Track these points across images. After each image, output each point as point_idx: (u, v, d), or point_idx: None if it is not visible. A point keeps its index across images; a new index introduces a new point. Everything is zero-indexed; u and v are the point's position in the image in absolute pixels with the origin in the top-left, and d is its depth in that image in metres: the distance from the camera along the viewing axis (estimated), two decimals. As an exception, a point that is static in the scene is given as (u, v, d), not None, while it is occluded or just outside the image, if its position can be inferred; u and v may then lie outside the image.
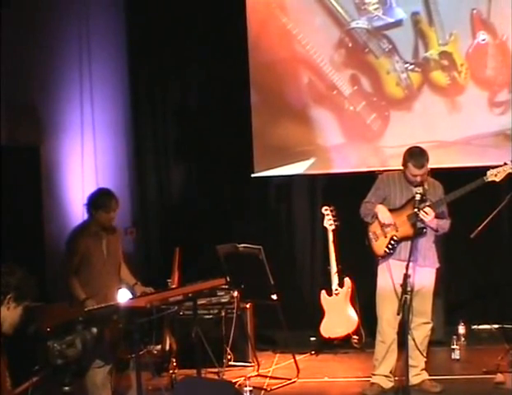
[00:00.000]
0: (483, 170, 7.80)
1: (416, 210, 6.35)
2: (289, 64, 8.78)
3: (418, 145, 6.73)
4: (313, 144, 8.74)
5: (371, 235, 6.66)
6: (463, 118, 8.55)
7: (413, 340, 6.47)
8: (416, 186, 6.47)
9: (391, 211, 6.59)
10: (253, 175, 8.71)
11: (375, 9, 8.69)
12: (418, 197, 6.34)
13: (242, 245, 7.20)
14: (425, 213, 6.36)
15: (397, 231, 6.55)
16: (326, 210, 8.15)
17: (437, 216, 6.47)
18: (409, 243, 6.30)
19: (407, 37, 8.66)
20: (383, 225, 6.59)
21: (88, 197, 6.52)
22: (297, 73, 8.79)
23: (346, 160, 8.65)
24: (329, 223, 8.11)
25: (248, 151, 8.66)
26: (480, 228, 6.82)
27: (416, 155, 6.51)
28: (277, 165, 8.74)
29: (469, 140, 8.33)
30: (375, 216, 6.62)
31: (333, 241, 8.11)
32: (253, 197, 8.89)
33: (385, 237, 6.59)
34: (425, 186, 6.52)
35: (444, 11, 8.56)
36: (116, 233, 6.61)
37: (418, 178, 6.48)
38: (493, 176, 6.43)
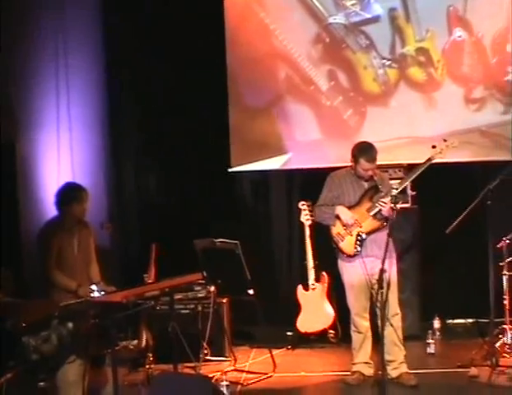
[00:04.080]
0: (458, 166, 7.88)
1: (375, 201, 6.48)
2: (266, 59, 8.79)
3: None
4: (290, 139, 8.76)
5: (336, 237, 6.73)
6: (439, 114, 8.60)
7: (390, 335, 6.54)
8: (366, 180, 6.56)
9: (348, 208, 6.66)
10: (230, 170, 8.72)
11: (353, 5, 8.71)
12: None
13: (219, 240, 7.19)
14: (383, 203, 6.44)
15: (361, 227, 6.61)
16: (303, 205, 8.17)
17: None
18: (370, 238, 6.54)
19: (384, 33, 8.70)
20: (346, 225, 6.65)
21: (56, 193, 6.50)
22: (275, 68, 8.80)
23: (323, 156, 8.66)
24: (306, 218, 8.14)
25: (225, 146, 8.67)
26: (455, 223, 6.86)
27: (366, 150, 6.63)
28: (254, 160, 8.75)
29: (445, 136, 8.30)
30: (336, 218, 6.66)
31: (310, 236, 8.14)
32: (230, 192, 8.89)
33: (351, 235, 6.66)
34: (376, 179, 6.63)
35: (421, 7, 8.60)
36: (88, 228, 6.59)
37: (370, 172, 6.58)
38: (439, 154, 6.53)
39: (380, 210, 6.51)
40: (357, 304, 6.74)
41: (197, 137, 8.73)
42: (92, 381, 5.94)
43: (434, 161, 6.58)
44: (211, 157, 8.71)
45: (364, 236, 6.64)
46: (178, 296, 7.23)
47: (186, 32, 8.67)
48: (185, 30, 8.67)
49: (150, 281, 6.98)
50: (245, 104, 8.81)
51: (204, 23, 8.64)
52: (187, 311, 7.60)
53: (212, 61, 8.66)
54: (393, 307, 6.65)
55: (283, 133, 8.76)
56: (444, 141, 6.62)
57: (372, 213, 6.58)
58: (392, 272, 6.57)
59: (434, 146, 6.57)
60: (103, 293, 5.95)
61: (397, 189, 6.43)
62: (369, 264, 6.57)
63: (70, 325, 5.01)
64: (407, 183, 7.44)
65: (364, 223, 6.63)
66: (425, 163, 6.56)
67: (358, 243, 6.64)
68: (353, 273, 6.70)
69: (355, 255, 6.66)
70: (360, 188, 6.71)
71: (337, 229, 6.72)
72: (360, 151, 6.64)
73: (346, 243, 6.69)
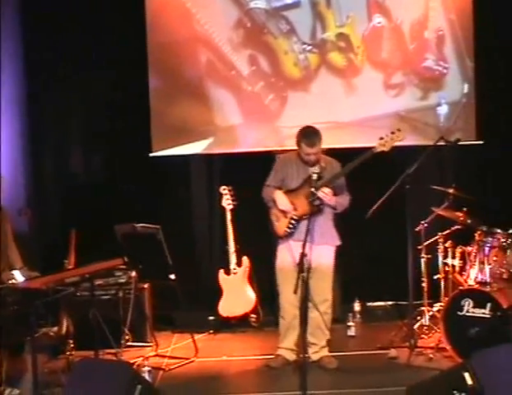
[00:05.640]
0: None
1: (313, 189, 6.46)
2: (188, 44, 8.74)
3: (314, 125, 6.83)
4: (211, 124, 8.74)
5: (273, 217, 6.80)
6: (359, 99, 8.69)
7: (316, 318, 6.61)
8: (311, 165, 6.59)
9: (289, 191, 6.69)
10: (151, 155, 8.67)
11: (274, -11, 8.74)
12: (315, 176, 6.45)
13: (140, 225, 7.16)
14: (323, 192, 6.47)
15: (296, 211, 6.65)
16: (224, 189, 8.18)
17: (335, 193, 6.59)
18: (305, 223, 6.45)
19: (305, 18, 8.74)
20: (281, 210, 6.70)
21: None
22: (196, 53, 8.76)
23: (244, 140, 8.69)
24: (227, 203, 8.16)
25: (146, 130, 8.61)
26: (374, 208, 6.95)
27: (308, 134, 6.65)
28: (176, 145, 8.71)
29: (365, 121, 8.47)
30: (274, 202, 6.73)
31: (231, 221, 8.17)
32: (151, 177, 8.82)
33: (285, 218, 6.70)
34: (322, 164, 6.65)
35: (341, -8, 8.67)
36: (3, 213, 6.46)
37: (312, 157, 6.61)
38: (382, 146, 6.59)
39: (318, 197, 6.53)
40: (286, 289, 6.70)
41: (119, 121, 8.64)
42: (11, 369, 5.85)
43: (352, 146, 6.63)
44: (133, 142, 8.62)
45: (296, 220, 6.67)
46: (98, 282, 7.17)
47: (106, 14, 8.55)
48: (105, 12, 8.54)
49: (70, 267, 6.90)
50: (166, 88, 8.75)
51: (125, 6, 8.53)
52: (108, 297, 7.53)
53: (133, 44, 8.56)
54: (324, 293, 6.71)
55: (204, 118, 8.73)
56: (392, 133, 6.64)
57: (310, 199, 6.56)
58: (328, 258, 6.63)
59: (381, 138, 6.60)
60: (24, 279, 5.86)
61: (335, 176, 6.49)
62: (301, 249, 6.52)
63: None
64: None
65: (299, 207, 6.66)
66: (367, 153, 6.59)
67: (290, 226, 6.68)
68: (283, 257, 6.75)
69: (284, 237, 6.70)
70: (305, 173, 6.69)
71: (275, 210, 6.77)
72: (302, 135, 6.65)
73: (280, 225, 6.74)
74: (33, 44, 8.65)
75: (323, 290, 6.70)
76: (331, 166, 6.77)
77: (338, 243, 6.83)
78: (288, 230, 6.69)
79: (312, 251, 6.27)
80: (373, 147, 6.62)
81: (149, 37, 8.66)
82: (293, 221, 6.69)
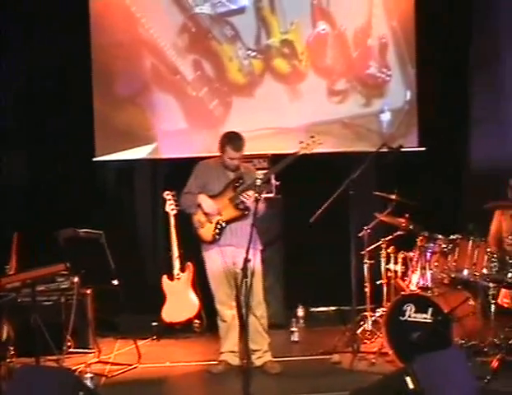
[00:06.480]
0: (322, 157, 8.02)
1: (239, 192, 6.58)
2: (132, 47, 8.71)
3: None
4: (155, 128, 8.72)
5: (197, 224, 6.79)
6: (303, 105, 8.74)
7: (254, 323, 6.62)
8: (233, 170, 6.65)
9: (212, 197, 6.71)
10: (94, 159, 8.60)
11: (219, -5, 8.75)
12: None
13: (82, 230, 7.09)
14: (247, 195, 6.53)
15: (221, 215, 6.67)
16: (168, 195, 8.15)
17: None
18: (230, 227, 6.62)
19: (249, 24, 8.78)
20: (206, 214, 6.70)
21: None
22: (140, 57, 8.73)
23: (188, 145, 8.67)
24: (171, 208, 8.13)
25: (89, 134, 8.54)
26: (318, 213, 6.99)
27: (233, 139, 6.70)
28: (120, 150, 8.67)
29: (309, 127, 8.51)
30: (198, 206, 6.72)
31: (175, 226, 8.14)
32: (96, 182, 8.76)
33: (211, 223, 6.72)
34: (242, 169, 6.74)
35: (286, -1, 8.72)
36: None
37: (236, 162, 6.69)
38: (304, 149, 6.66)
39: (243, 201, 6.58)
40: (220, 293, 6.80)
41: (63, 125, 8.54)
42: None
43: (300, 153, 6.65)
44: (77, 146, 8.55)
45: (223, 224, 6.70)
46: (40, 288, 7.10)
47: (50, 17, 8.47)
48: (49, 15, 8.46)
49: (11, 273, 6.82)
50: (110, 92, 8.71)
51: (68, 9, 8.45)
52: (50, 303, 7.45)
53: (77, 48, 8.48)
54: (258, 296, 6.72)
55: (149, 123, 8.71)
56: (312, 137, 6.71)
57: (234, 203, 6.65)
58: (256, 262, 6.64)
59: (301, 142, 6.66)
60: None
61: (261, 180, 6.50)
62: (229, 253, 6.67)
63: None
64: (272, 174, 7.57)
65: (224, 212, 6.69)
66: (290, 157, 6.64)
67: (217, 231, 6.70)
68: (213, 262, 6.77)
69: (213, 242, 6.72)
70: (226, 178, 6.77)
71: (198, 216, 6.77)
72: (227, 140, 6.69)
73: (206, 230, 6.74)
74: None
75: (257, 293, 6.71)
76: (249, 171, 6.85)
77: (261, 247, 6.87)
78: (216, 236, 6.71)
79: (241, 255, 6.26)
80: (296, 152, 6.65)
81: (93, 40, 8.61)
82: (219, 226, 6.71)
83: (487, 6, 8.80)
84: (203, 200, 6.73)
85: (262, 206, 6.60)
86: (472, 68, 8.91)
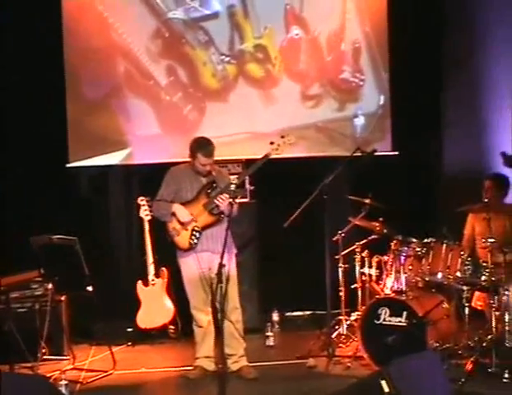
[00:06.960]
0: (297, 161, 8.05)
1: (212, 198, 6.57)
2: (105, 53, 8.69)
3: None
4: (129, 134, 8.70)
5: (172, 231, 6.76)
6: (277, 110, 8.77)
7: (228, 328, 6.62)
8: (205, 176, 6.65)
9: (185, 203, 6.70)
10: (67, 165, 8.56)
11: (192, 0, 8.74)
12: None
13: (56, 236, 7.05)
14: (222, 199, 6.53)
15: (196, 222, 6.66)
16: (142, 200, 8.12)
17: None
18: (206, 233, 6.64)
19: (223, 29, 8.79)
20: (181, 222, 6.69)
21: None
22: (113, 62, 8.71)
23: (162, 151, 8.65)
24: (145, 213, 8.10)
25: (62, 140, 8.49)
26: (293, 217, 7.01)
27: (204, 144, 6.68)
28: (93, 155, 8.64)
29: (283, 131, 8.44)
30: (173, 215, 6.72)
31: (149, 231, 8.12)
32: (68, 188, 8.71)
33: (186, 230, 6.70)
34: (214, 173, 6.75)
35: (259, 4, 8.76)
36: None
37: (207, 168, 6.67)
38: (275, 151, 6.65)
39: (217, 205, 6.57)
40: (195, 298, 6.79)
41: (35, 130, 8.49)
42: None
43: (272, 157, 6.66)
44: (49, 152, 8.50)
45: (199, 231, 6.68)
46: (14, 294, 7.07)
47: (22, 21, 8.41)
48: (21, 18, 8.41)
49: (-16, 280, 6.78)
50: (83, 97, 8.67)
51: (41, 13, 8.41)
52: (24, 309, 7.39)
53: (50, 53, 8.44)
54: (233, 301, 6.72)
55: (123, 128, 8.69)
56: (282, 137, 6.71)
57: (208, 208, 6.64)
58: (231, 267, 6.63)
59: (272, 143, 6.66)
60: None
61: (235, 184, 6.50)
62: (205, 258, 6.66)
63: None
64: (245, 178, 7.58)
65: (199, 218, 6.68)
66: (262, 159, 6.64)
67: (193, 237, 6.69)
68: (189, 267, 6.75)
69: (190, 249, 6.71)
70: (198, 184, 6.75)
71: (173, 224, 6.75)
72: (198, 146, 6.67)
73: (182, 238, 6.72)
74: None
75: (233, 297, 6.71)
76: (221, 176, 6.86)
77: (235, 251, 6.87)
78: (193, 243, 6.70)
79: (216, 260, 6.25)
80: (267, 154, 6.64)
81: (66, 45, 8.58)
82: (196, 233, 6.70)
83: (462, 7, 8.86)
84: (178, 209, 6.71)
85: (235, 207, 6.61)
86: (445, 72, 8.97)
